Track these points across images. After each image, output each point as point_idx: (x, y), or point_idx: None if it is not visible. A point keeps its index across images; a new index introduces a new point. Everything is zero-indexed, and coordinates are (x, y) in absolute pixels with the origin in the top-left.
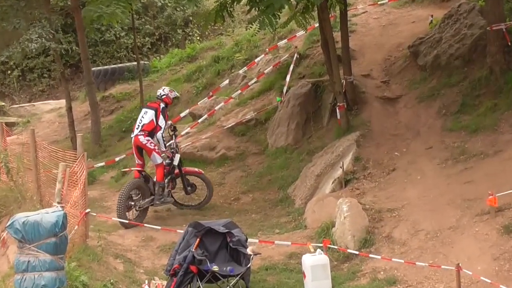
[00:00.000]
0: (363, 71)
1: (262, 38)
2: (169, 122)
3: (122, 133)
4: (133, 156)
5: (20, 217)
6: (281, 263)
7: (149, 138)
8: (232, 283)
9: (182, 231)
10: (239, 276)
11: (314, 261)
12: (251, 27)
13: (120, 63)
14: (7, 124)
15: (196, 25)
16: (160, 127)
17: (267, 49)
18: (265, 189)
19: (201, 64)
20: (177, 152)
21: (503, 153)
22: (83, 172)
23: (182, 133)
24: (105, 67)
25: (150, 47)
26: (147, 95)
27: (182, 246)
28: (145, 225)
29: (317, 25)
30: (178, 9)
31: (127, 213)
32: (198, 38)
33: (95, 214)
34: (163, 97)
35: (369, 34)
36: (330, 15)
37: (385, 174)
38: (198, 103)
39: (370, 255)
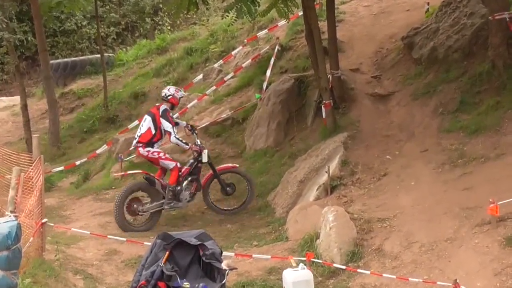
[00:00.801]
0: (352, 65)
1: (240, 28)
2: (184, 122)
3: (83, 133)
4: (95, 160)
5: None
6: (260, 279)
7: (149, 149)
8: None
9: (149, 244)
10: None
11: (296, 277)
12: (227, 16)
13: (82, 55)
14: None
15: (166, 13)
16: (169, 132)
17: (245, 41)
18: (242, 197)
19: (172, 56)
20: (204, 148)
21: (506, 157)
22: (39, 177)
23: None
24: (65, 60)
25: (115, 37)
26: (111, 91)
27: (150, 260)
28: (109, 236)
29: (301, 13)
30: None
31: (131, 217)
32: (168, 27)
33: (52, 224)
34: (168, 97)
35: (358, 23)
36: (315, 3)
37: (375, 180)
38: None
39: (359, 270)
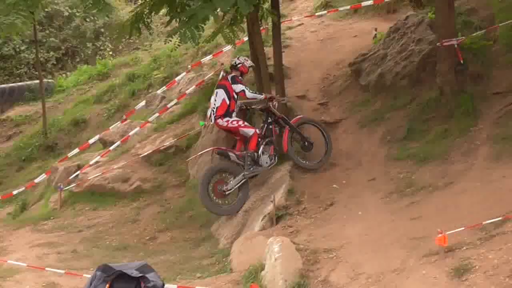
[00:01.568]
0: (299, 91)
1: (184, 53)
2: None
3: (21, 162)
4: (33, 189)
5: None
6: None
7: (228, 118)
8: None
9: (89, 276)
10: None
11: None
12: (171, 41)
13: (20, 81)
14: None
15: (108, 38)
16: (242, 91)
17: (189, 66)
18: (185, 227)
19: (114, 82)
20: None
21: (454, 186)
22: None
23: (91, 162)
24: (2, 85)
25: (55, 63)
26: (50, 118)
27: None
28: (46, 269)
29: (246, 39)
30: (87, 19)
31: (221, 200)
32: (110, 53)
33: None
34: (238, 65)
35: (305, 49)
36: (261, 28)
37: (322, 210)
38: (110, 128)
39: None
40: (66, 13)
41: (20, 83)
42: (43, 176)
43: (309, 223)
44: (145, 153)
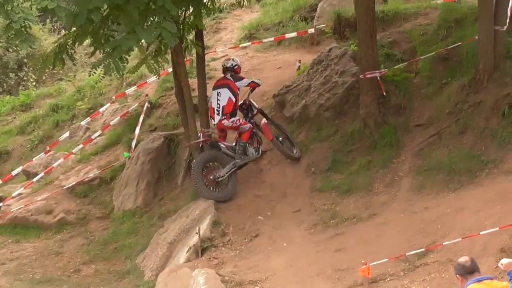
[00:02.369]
0: None
1: (108, 84)
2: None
3: None
4: None
5: None
6: None
7: (233, 119)
8: None
9: None
10: None
11: None
12: (95, 73)
13: None
14: None
15: (31, 69)
16: (253, 82)
17: (113, 97)
18: (110, 259)
19: (37, 113)
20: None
21: (378, 217)
22: None
23: (14, 194)
24: None
25: None
26: None
27: None
28: None
29: (170, 70)
30: (10, 49)
31: (214, 189)
32: (33, 83)
33: None
34: (235, 67)
35: None
36: (185, 59)
37: (247, 241)
38: (33, 159)
39: None
40: None
41: None
42: None
43: (234, 254)
44: (69, 185)
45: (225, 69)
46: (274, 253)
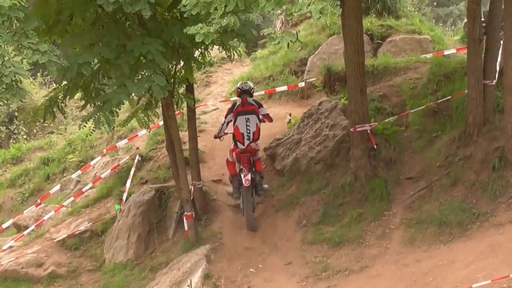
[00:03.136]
0: (214, 175)
1: (99, 137)
2: None
3: None
4: None
5: None
6: None
7: (257, 143)
8: None
9: None
10: None
11: None
12: (85, 126)
13: None
14: None
15: (22, 122)
16: (268, 115)
17: (104, 150)
18: None
19: (28, 166)
20: None
21: (370, 269)
22: None
23: (4, 247)
24: None
25: None
26: None
27: None
28: None
29: (161, 123)
30: (1, 103)
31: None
32: (24, 136)
33: None
34: (251, 90)
35: None
36: (176, 112)
37: None
38: (24, 212)
39: None
40: None
41: None
42: None
43: None
44: (60, 238)
45: (242, 92)
46: None
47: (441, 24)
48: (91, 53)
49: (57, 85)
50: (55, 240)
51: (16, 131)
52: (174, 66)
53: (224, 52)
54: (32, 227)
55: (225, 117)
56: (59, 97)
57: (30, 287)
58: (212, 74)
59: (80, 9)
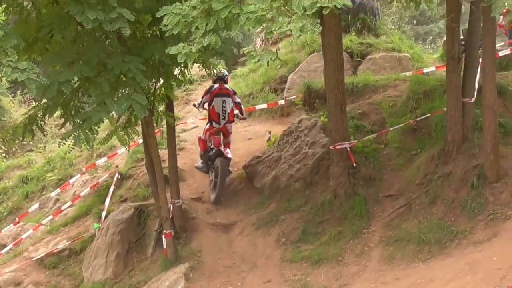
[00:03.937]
0: (194, 193)
1: (78, 155)
2: None
3: None
4: None
5: None
6: None
7: (231, 125)
8: None
9: None
10: None
11: None
12: (65, 144)
13: None
14: None
15: (1, 140)
16: (239, 104)
17: (83, 168)
18: None
19: (7, 185)
20: None
21: (349, 287)
22: None
23: None
24: None
25: None
26: None
27: None
28: None
29: (141, 141)
30: None
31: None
32: (3, 155)
33: None
34: (225, 77)
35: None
36: (156, 130)
37: None
38: (2, 231)
39: None
40: None
41: None
42: None
43: None
44: (38, 256)
45: (218, 78)
46: None
47: (420, 42)
48: (71, 71)
49: (37, 103)
50: (33, 259)
51: None
52: (154, 84)
53: (204, 69)
54: (10, 245)
55: (202, 98)
56: (39, 115)
57: None
58: (192, 91)
59: (60, 26)
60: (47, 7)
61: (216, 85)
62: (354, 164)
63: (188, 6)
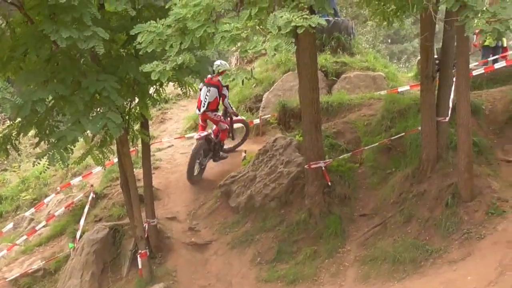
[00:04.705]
0: (169, 213)
1: (53, 175)
2: None
3: None
4: None
5: None
6: None
7: (216, 113)
8: None
9: None
10: None
11: None
12: (39, 163)
13: None
14: None
15: None
16: (225, 96)
17: (58, 188)
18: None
19: None
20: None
21: None
22: None
23: None
24: None
25: None
26: None
27: None
28: None
29: (116, 160)
30: None
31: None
32: None
33: None
34: (220, 71)
35: (175, 171)
36: (131, 149)
37: None
38: None
39: None
40: None
41: None
42: None
43: None
44: (12, 277)
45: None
46: None
47: (395, 61)
48: (46, 90)
49: (11, 122)
50: (7, 279)
51: None
52: (129, 103)
53: (179, 88)
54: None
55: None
56: (13, 134)
57: None
58: (167, 110)
59: (34, 45)
60: (22, 26)
61: (210, 76)
62: (329, 183)
63: (162, 25)
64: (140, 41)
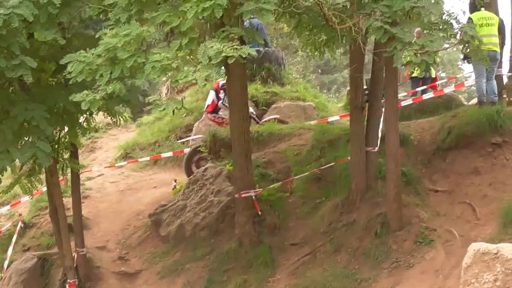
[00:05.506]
0: (98, 242)
1: None
2: None
3: None
4: None
5: None
6: None
7: (215, 115)
8: None
9: None
10: None
11: None
12: None
13: None
14: None
15: None
16: (221, 98)
17: None
18: None
19: None
20: None
21: None
22: None
23: None
24: None
25: None
26: None
27: None
28: None
29: (45, 189)
30: None
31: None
32: None
33: None
34: (223, 86)
35: (105, 200)
36: (60, 179)
37: None
38: None
39: None
40: None
41: None
42: None
43: None
44: None
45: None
46: None
47: (325, 91)
48: None
49: None
50: None
51: None
52: (59, 132)
53: (109, 117)
54: None
55: None
56: None
57: None
58: (97, 139)
59: None
60: None
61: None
62: (260, 213)
63: (92, 54)
64: (70, 71)
